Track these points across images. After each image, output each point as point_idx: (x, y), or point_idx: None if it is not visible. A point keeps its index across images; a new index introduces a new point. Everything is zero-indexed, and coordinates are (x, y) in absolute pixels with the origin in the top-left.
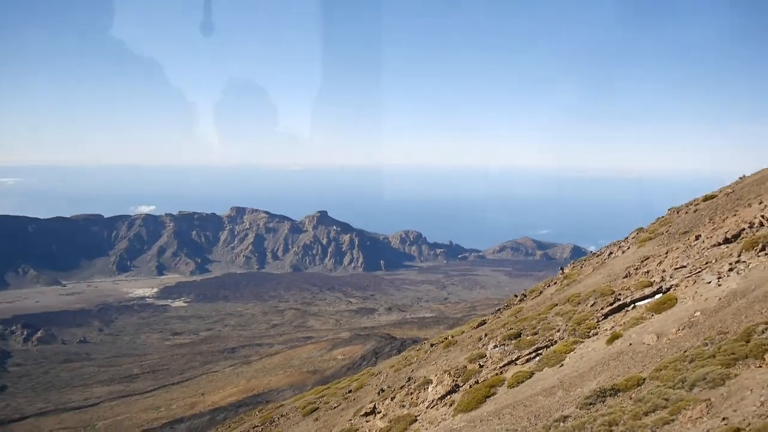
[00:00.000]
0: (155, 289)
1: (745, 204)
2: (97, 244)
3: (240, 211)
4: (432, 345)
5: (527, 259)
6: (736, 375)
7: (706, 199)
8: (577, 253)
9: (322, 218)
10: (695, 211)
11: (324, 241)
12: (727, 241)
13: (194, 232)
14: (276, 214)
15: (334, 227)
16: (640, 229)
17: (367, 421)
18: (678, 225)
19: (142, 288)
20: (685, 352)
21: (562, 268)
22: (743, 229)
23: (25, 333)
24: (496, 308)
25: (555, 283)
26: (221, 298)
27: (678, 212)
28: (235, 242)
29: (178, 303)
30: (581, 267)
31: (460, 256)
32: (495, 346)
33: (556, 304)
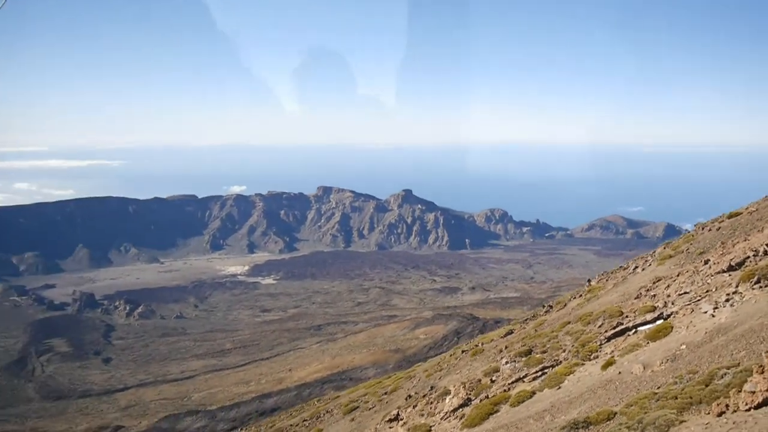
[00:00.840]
0: (246, 267)
1: (760, 228)
2: (192, 223)
3: (326, 191)
4: (463, 351)
5: (617, 237)
6: (681, 422)
7: (731, 216)
8: (671, 231)
9: (407, 197)
10: (718, 229)
11: (409, 220)
12: (731, 268)
13: (283, 212)
14: (361, 193)
15: (419, 206)
16: (667, 244)
17: (390, 428)
18: (698, 244)
19: (234, 266)
20: (658, 388)
21: (589, 280)
22: (748, 257)
23: (128, 308)
24: (524, 318)
25: (580, 295)
26: (309, 275)
27: (703, 229)
28: (322, 221)
29: (268, 280)
30: (606, 280)
31: (546, 234)
32: (507, 362)
33: (569, 322)
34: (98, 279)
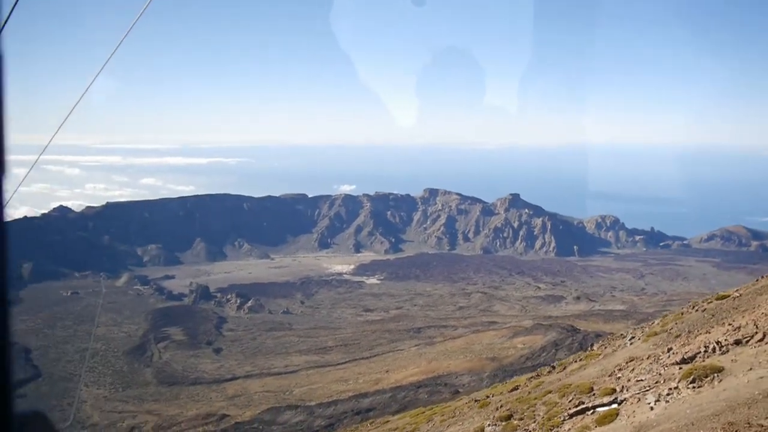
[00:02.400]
0: (352, 266)
1: (723, 320)
2: (301, 221)
3: (433, 193)
4: (476, 401)
5: (740, 249)
6: None
7: (719, 298)
8: None
9: (514, 201)
10: (704, 311)
11: (515, 224)
12: (683, 362)
13: (389, 212)
14: (468, 196)
15: (526, 210)
16: (663, 318)
17: None
18: (681, 325)
19: (340, 264)
20: None
21: (591, 344)
22: (700, 352)
23: (239, 301)
24: (530, 376)
25: (581, 359)
26: (412, 277)
27: (693, 308)
28: (428, 223)
29: (372, 280)
30: (605, 347)
31: (661, 244)
32: (489, 424)
33: (551, 392)
34: (213, 272)
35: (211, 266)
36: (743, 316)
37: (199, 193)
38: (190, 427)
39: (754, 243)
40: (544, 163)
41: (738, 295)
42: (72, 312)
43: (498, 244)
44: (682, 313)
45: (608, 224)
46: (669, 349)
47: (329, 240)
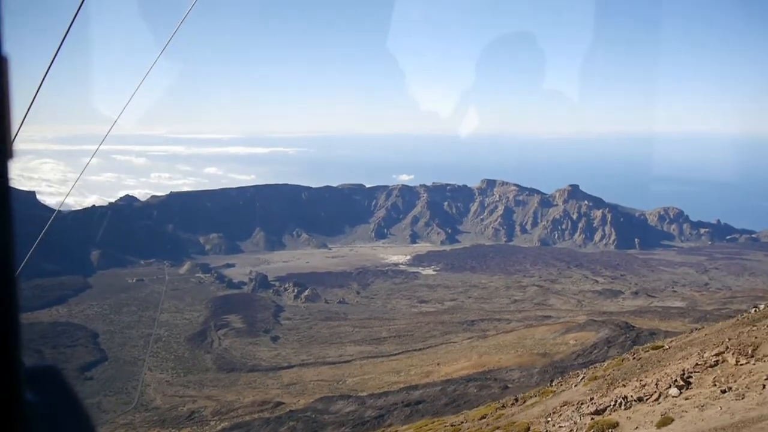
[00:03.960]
0: (408, 257)
1: (641, 374)
2: (358, 211)
3: (490, 183)
4: (452, 425)
5: None
6: None
7: (654, 348)
8: None
9: (574, 192)
10: (639, 359)
11: (574, 216)
12: (596, 413)
13: (446, 203)
14: (526, 187)
15: (586, 202)
16: (616, 359)
17: None
18: (618, 372)
19: (396, 255)
20: None
21: (551, 381)
22: (609, 405)
23: (296, 290)
24: (501, 404)
25: (539, 394)
26: (468, 268)
27: (633, 355)
28: (485, 214)
29: (428, 271)
30: (561, 384)
31: (728, 237)
32: None
33: (498, 428)
34: (272, 261)
35: (270, 255)
36: (654, 373)
37: (259, 183)
38: (247, 414)
39: None
40: (606, 153)
41: (668, 347)
42: (137, 298)
43: (556, 236)
44: (623, 360)
45: (672, 216)
46: (591, 399)
47: (386, 230)
